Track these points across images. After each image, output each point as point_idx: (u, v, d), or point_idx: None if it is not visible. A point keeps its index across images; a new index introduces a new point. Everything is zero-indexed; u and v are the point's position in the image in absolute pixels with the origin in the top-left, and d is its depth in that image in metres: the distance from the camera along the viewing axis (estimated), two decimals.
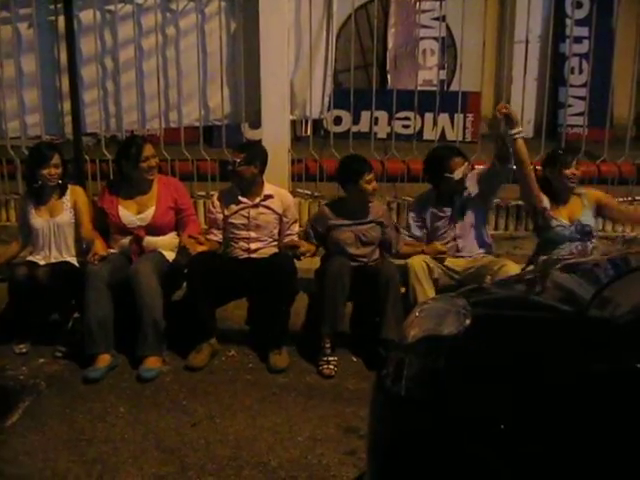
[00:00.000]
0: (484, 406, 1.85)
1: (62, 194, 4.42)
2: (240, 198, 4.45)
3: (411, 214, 4.60)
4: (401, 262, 4.35)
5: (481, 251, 4.42)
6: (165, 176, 4.80)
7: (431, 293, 4.09)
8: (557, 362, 1.85)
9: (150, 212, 4.39)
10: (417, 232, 4.52)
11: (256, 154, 4.45)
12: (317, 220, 4.51)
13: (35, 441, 3.36)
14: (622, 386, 1.73)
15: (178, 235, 4.48)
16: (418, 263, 4.18)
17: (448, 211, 4.45)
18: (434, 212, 4.48)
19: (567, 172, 4.31)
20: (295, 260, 4.31)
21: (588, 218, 4.34)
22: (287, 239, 4.49)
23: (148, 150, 4.38)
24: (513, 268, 4.06)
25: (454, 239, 4.42)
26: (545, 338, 1.97)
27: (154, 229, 4.40)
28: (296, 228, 4.60)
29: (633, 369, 1.73)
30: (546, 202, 4.36)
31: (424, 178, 4.73)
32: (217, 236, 4.50)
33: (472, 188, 4.44)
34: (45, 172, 4.30)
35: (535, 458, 1.73)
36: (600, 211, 4.44)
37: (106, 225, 4.48)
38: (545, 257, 4.29)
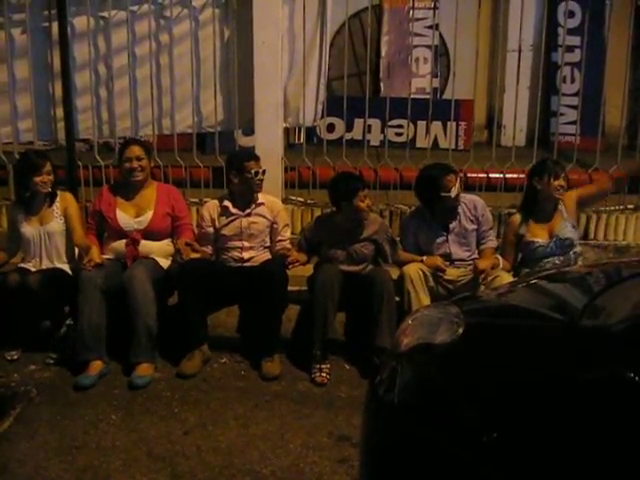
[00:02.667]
0: (477, 415, 1.85)
1: (52, 202, 4.39)
2: (231, 209, 4.43)
3: (403, 234, 4.54)
4: (397, 270, 4.35)
5: (472, 260, 4.40)
6: (164, 184, 4.81)
7: (426, 301, 4.09)
8: (550, 371, 1.85)
9: (148, 216, 4.39)
10: (410, 249, 4.46)
11: None
12: (309, 233, 4.50)
13: (26, 448, 3.34)
14: (614, 395, 1.73)
15: (173, 243, 4.46)
16: (414, 271, 4.17)
17: (443, 235, 4.39)
18: (428, 235, 4.40)
19: (556, 184, 4.30)
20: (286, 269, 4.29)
21: (567, 230, 4.32)
22: (279, 245, 4.48)
23: (131, 151, 4.37)
24: (506, 278, 4.05)
25: (448, 255, 4.38)
26: (538, 347, 1.97)
27: (150, 234, 4.39)
28: (287, 233, 4.57)
29: (626, 378, 1.74)
30: (523, 229, 4.36)
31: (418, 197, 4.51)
32: (208, 249, 4.48)
33: (467, 223, 4.39)
34: (38, 180, 4.27)
35: (527, 467, 1.73)
36: (581, 206, 4.42)
37: (102, 229, 4.47)
38: (528, 270, 4.30)
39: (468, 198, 4.45)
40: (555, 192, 4.32)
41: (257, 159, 4.43)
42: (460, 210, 4.38)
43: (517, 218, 4.46)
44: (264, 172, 4.39)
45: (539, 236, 4.33)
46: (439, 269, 4.26)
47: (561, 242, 4.30)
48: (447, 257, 4.37)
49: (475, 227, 4.40)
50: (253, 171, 4.33)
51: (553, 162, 4.49)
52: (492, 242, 4.47)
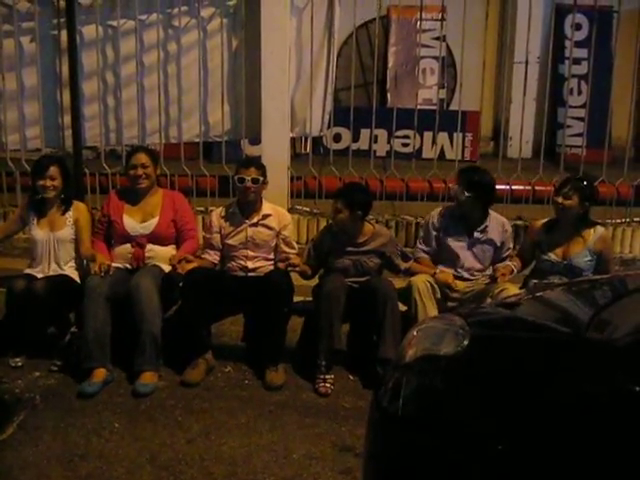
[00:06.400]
0: (481, 427, 1.84)
1: (66, 210, 4.41)
2: (238, 217, 4.41)
3: (428, 226, 4.45)
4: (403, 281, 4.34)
5: (481, 275, 4.38)
6: (170, 190, 4.82)
7: (434, 311, 4.06)
8: (555, 384, 1.85)
9: (153, 222, 4.40)
10: (424, 248, 4.42)
11: (266, 170, 4.42)
12: (318, 242, 4.48)
13: (29, 455, 3.33)
14: (620, 409, 1.72)
15: (177, 249, 4.45)
16: (422, 282, 4.15)
17: (465, 241, 4.35)
18: (452, 236, 4.35)
19: (555, 199, 4.26)
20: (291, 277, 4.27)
21: (582, 260, 4.23)
22: (283, 256, 4.44)
23: (137, 159, 4.38)
24: (513, 291, 4.02)
25: (459, 266, 4.34)
26: (543, 359, 1.97)
27: (155, 239, 4.39)
28: (294, 246, 4.55)
29: (631, 392, 1.73)
30: (542, 237, 4.33)
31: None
32: (212, 256, 4.45)
33: (495, 236, 4.35)
34: (41, 183, 4.31)
35: (532, 479, 1.72)
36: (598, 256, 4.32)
37: (109, 234, 4.47)
38: (536, 281, 4.27)
39: (499, 219, 4.40)
40: (555, 208, 4.30)
41: (252, 166, 4.37)
42: (490, 224, 4.34)
43: (539, 224, 4.43)
44: (255, 180, 4.30)
45: (554, 252, 4.28)
46: (449, 286, 4.25)
47: (572, 268, 4.22)
48: (459, 265, 4.34)
49: (498, 245, 4.37)
50: (237, 177, 4.33)
51: (568, 179, 4.39)
52: (509, 261, 4.42)
